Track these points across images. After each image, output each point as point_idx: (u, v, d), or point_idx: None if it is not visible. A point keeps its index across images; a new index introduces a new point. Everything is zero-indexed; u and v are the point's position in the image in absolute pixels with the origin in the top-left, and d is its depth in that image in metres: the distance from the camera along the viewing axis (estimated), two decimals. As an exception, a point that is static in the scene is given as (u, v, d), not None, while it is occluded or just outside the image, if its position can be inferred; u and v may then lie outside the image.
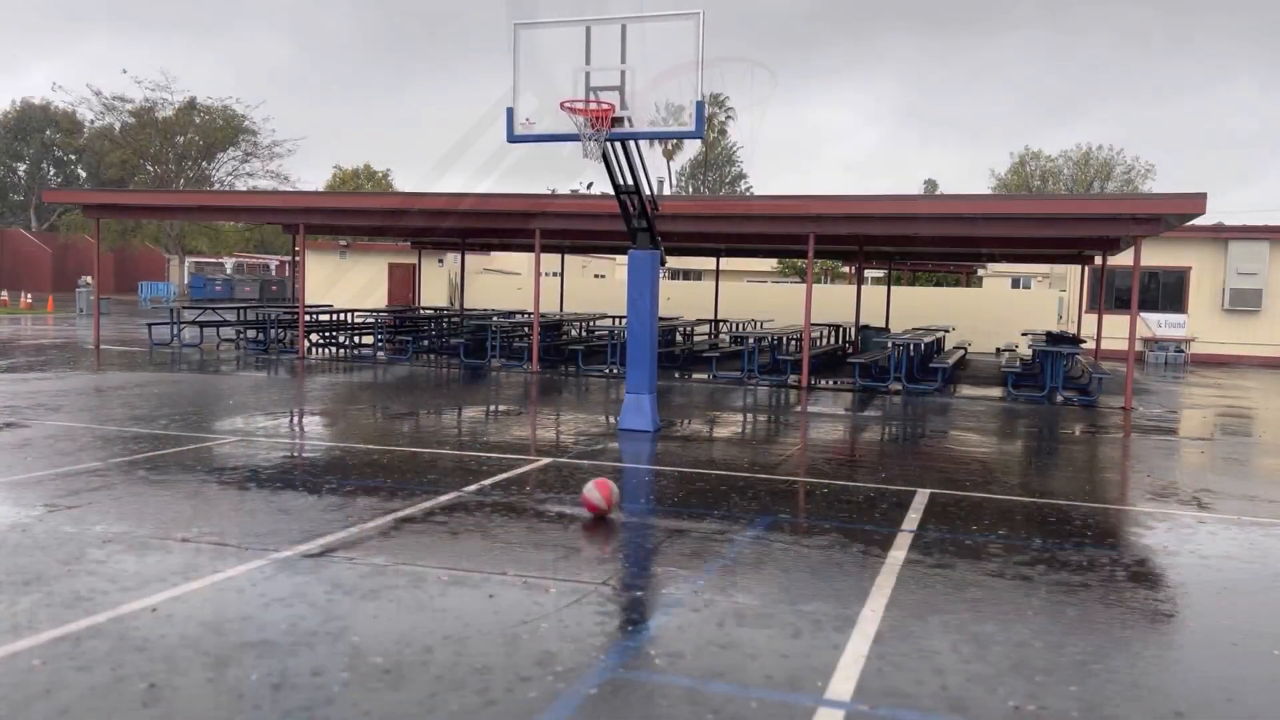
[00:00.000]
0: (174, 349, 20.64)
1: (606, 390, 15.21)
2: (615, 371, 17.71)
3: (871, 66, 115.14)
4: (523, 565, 5.65)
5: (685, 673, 4.18)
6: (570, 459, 9.17)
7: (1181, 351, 25.38)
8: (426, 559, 5.73)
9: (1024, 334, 23.68)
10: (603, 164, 10.49)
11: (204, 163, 49.83)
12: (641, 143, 11.10)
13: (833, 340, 24.84)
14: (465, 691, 3.93)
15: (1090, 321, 23.34)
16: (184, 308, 25.27)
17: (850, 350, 23.64)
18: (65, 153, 65.88)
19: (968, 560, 6.07)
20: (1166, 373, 22.27)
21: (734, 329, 25.85)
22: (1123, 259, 22.82)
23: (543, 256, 19.29)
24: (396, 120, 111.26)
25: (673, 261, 38.93)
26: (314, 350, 21.23)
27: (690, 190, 71.09)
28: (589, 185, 16.53)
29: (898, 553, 6.16)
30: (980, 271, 42.66)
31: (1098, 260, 23.13)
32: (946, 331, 23.44)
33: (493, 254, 36.16)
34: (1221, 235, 25.46)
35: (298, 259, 24.95)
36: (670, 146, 62.78)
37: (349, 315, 23.50)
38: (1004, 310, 28.46)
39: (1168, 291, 25.82)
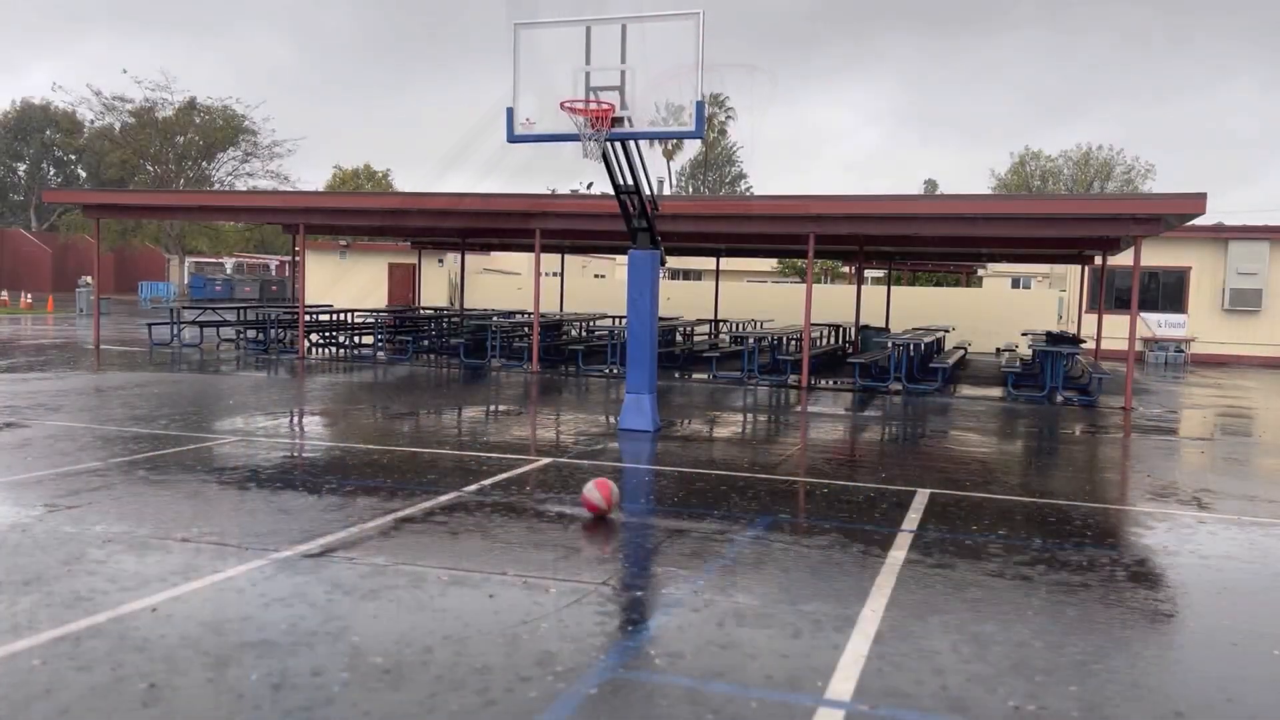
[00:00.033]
0: (174, 349, 20.64)
1: (606, 390, 15.21)
2: (615, 371, 17.71)
3: (871, 66, 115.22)
4: (523, 565, 5.65)
5: (685, 673, 4.18)
6: (570, 459, 9.17)
7: (1181, 351, 25.38)
8: (426, 559, 5.73)
9: (1024, 334, 23.68)
10: (603, 164, 10.49)
11: (204, 163, 49.86)
12: (641, 143, 11.10)
13: (833, 340, 24.84)
14: (465, 691, 3.93)
15: (1090, 321, 23.34)
16: (184, 308, 25.27)
17: (850, 350, 23.64)
18: (65, 153, 65.89)
19: (968, 560, 6.07)
20: (1166, 373, 22.27)
21: (734, 329, 25.85)
22: (1123, 259, 22.82)
23: (543, 256, 19.30)
24: (396, 120, 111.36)
25: (673, 261, 38.94)
26: (314, 350, 21.23)
27: (690, 190, 71.10)
28: (589, 185, 16.54)
29: (898, 553, 6.16)
30: (980, 271, 42.67)
31: (1098, 260, 23.13)
32: (946, 331, 23.45)
33: (493, 254, 36.15)
34: (1221, 235, 25.46)
35: (298, 259, 24.95)
36: (670, 146, 62.79)
37: (349, 315, 23.50)
38: (1004, 310, 28.46)
39: (1168, 291, 25.82)
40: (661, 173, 65.23)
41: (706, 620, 4.84)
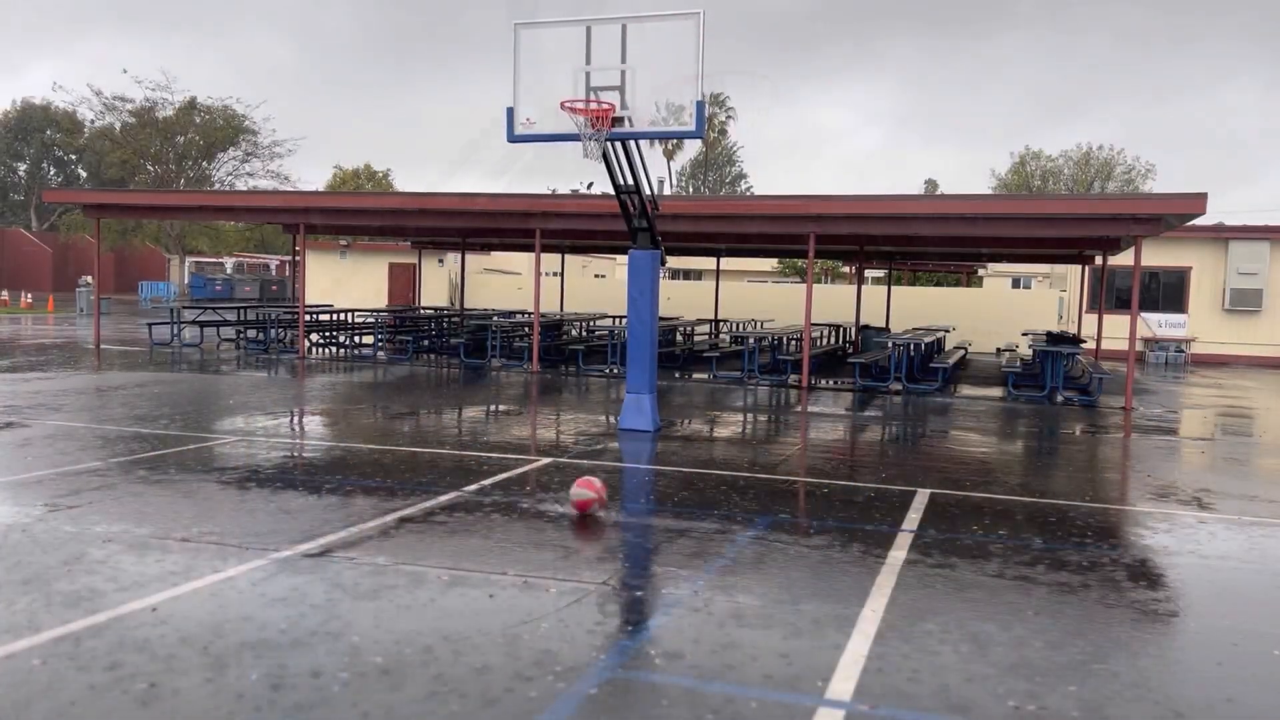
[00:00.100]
0: (174, 349, 20.64)
1: (606, 390, 15.21)
2: (615, 371, 17.71)
3: (871, 66, 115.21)
4: (523, 565, 5.65)
5: (685, 673, 4.18)
6: (570, 459, 9.17)
7: (1182, 351, 25.37)
8: (427, 559, 5.73)
9: (1024, 334, 23.67)
10: (603, 164, 10.49)
11: (204, 162, 49.86)
12: (642, 142, 11.10)
13: (833, 340, 24.84)
14: (465, 691, 3.93)
15: (1090, 321, 23.34)
16: (184, 307, 25.28)
17: (850, 350, 23.64)
18: (66, 152, 65.93)
19: (968, 560, 6.07)
20: (1167, 373, 22.26)
21: (734, 329, 25.85)
22: (1123, 259, 22.82)
23: (543, 256, 19.29)
24: (396, 120, 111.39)
25: (673, 261, 38.94)
26: (314, 350, 21.24)
27: (690, 190, 71.11)
28: (589, 185, 16.52)
29: (898, 553, 6.16)
30: (980, 271, 42.66)
31: (1098, 260, 23.12)
32: (947, 331, 23.44)
33: (493, 254, 36.15)
34: (1222, 235, 25.46)
35: (298, 259, 24.95)
36: (670, 146, 62.85)
37: (349, 315, 23.50)
38: (1004, 310, 28.45)
39: (1168, 291, 25.81)
40: (662, 173, 65.30)
41: (706, 620, 4.84)
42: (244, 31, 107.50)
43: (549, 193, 21.92)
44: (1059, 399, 15.64)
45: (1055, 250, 22.93)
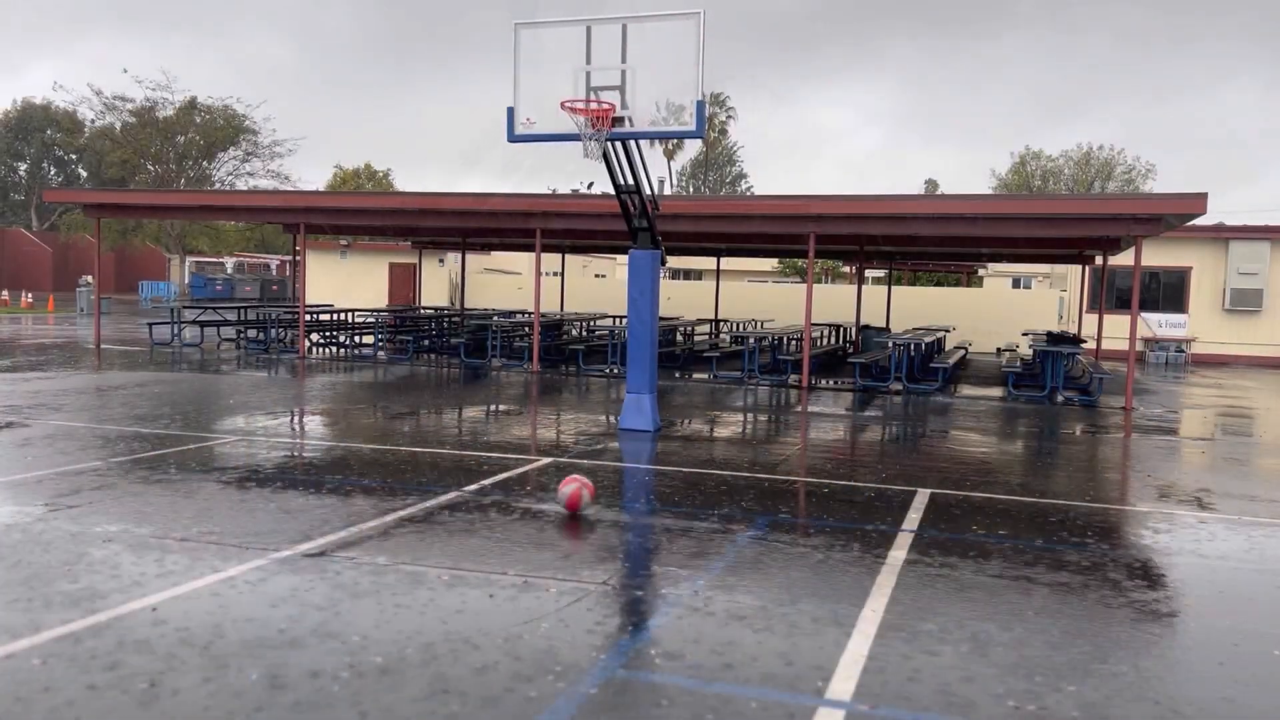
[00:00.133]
0: (174, 349, 20.64)
1: (607, 390, 15.21)
2: (615, 371, 17.71)
3: (871, 66, 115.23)
4: (523, 565, 5.65)
5: (685, 673, 4.18)
6: (571, 459, 9.17)
7: (1182, 351, 25.37)
8: (427, 558, 5.73)
9: (1024, 334, 23.68)
10: (603, 164, 10.49)
11: (204, 162, 49.87)
12: (642, 142, 11.10)
13: (833, 340, 24.83)
14: (465, 691, 3.93)
15: (1091, 321, 23.34)
16: (184, 307, 25.28)
17: (851, 350, 23.63)
18: (66, 152, 65.95)
19: (968, 560, 6.07)
20: (1167, 373, 22.26)
21: (734, 329, 25.85)
22: (1123, 259, 22.82)
23: (543, 256, 19.29)
24: (396, 120, 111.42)
25: (673, 261, 38.94)
26: (314, 350, 21.24)
27: (691, 190, 71.11)
28: (589, 185, 16.54)
29: (898, 552, 6.16)
30: (981, 271, 42.66)
31: (1098, 260, 23.12)
32: (947, 331, 23.44)
33: (493, 254, 36.15)
34: (1222, 235, 25.45)
35: (298, 259, 24.95)
36: (671, 146, 62.85)
37: (349, 315, 23.50)
38: (1004, 310, 28.45)
39: (1168, 291, 25.80)
40: (662, 172, 65.30)
41: (706, 620, 4.84)
42: (244, 31, 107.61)
43: (549, 192, 21.92)
44: (1059, 399, 15.63)
45: (1055, 250, 22.93)
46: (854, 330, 24.12)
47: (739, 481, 8.36)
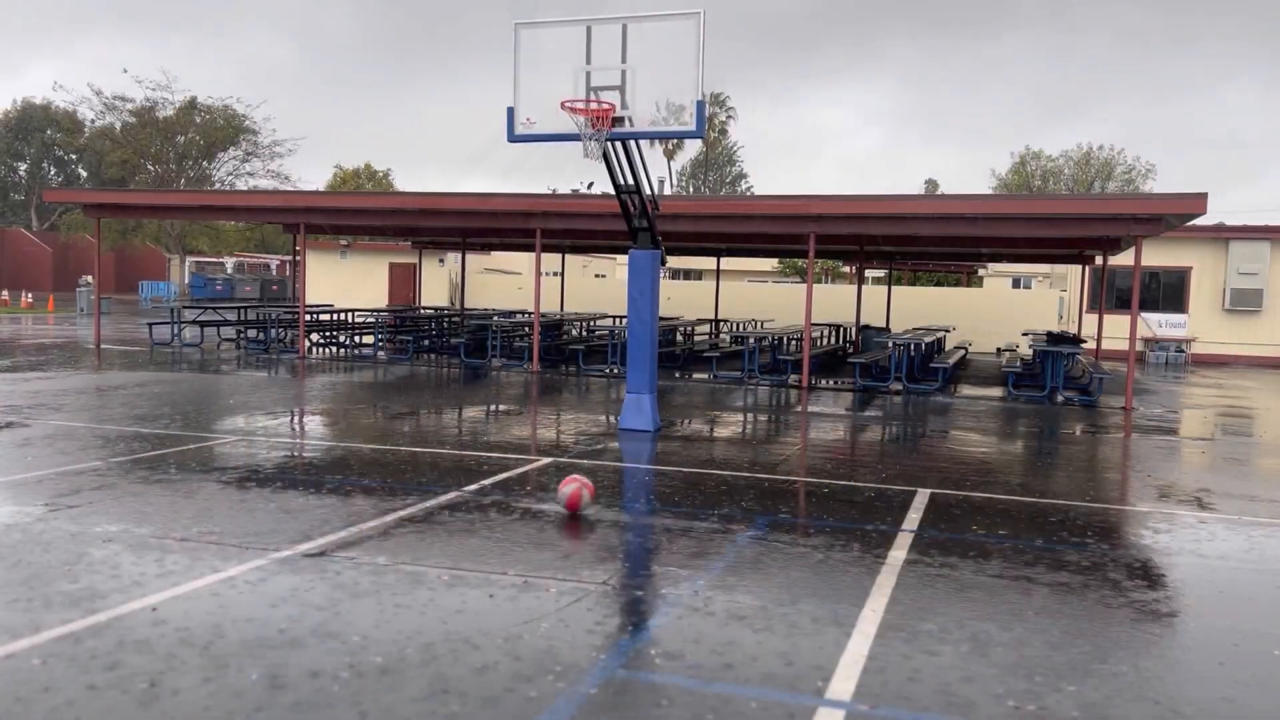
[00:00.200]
0: (174, 349, 20.64)
1: (607, 390, 15.21)
2: (615, 371, 17.71)
3: (871, 66, 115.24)
4: (523, 565, 5.65)
5: (685, 673, 4.18)
6: (571, 459, 9.17)
7: (1182, 351, 25.37)
8: (427, 558, 5.73)
9: (1025, 334, 23.68)
10: (603, 164, 10.49)
11: (204, 162, 49.87)
12: (642, 142, 11.10)
13: (833, 340, 24.83)
14: (465, 691, 3.93)
15: (1091, 321, 23.34)
16: (184, 307, 25.29)
17: (851, 350, 23.63)
18: (66, 152, 65.95)
19: (968, 560, 6.07)
20: (1167, 373, 22.26)
21: (734, 329, 25.85)
22: (1123, 259, 22.82)
23: (543, 256, 19.29)
24: (396, 120, 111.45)
25: (673, 261, 38.93)
26: (314, 350, 21.24)
27: (691, 190, 71.11)
28: (590, 185, 16.55)
29: (898, 552, 6.16)
30: (981, 271, 42.65)
31: (1098, 260, 23.12)
32: (947, 331, 23.44)
33: (493, 253, 36.14)
34: (1222, 235, 25.45)
35: (298, 259, 24.95)
36: (671, 146, 62.85)
37: (349, 315, 23.50)
38: (1004, 310, 28.45)
39: (1168, 291, 25.80)
40: (662, 172, 65.30)
41: (706, 620, 4.84)
42: (244, 31, 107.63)
43: (549, 192, 21.91)
44: (1059, 399, 15.63)
45: (1055, 250, 22.93)
46: (854, 330, 24.12)
47: (739, 481, 8.36)
